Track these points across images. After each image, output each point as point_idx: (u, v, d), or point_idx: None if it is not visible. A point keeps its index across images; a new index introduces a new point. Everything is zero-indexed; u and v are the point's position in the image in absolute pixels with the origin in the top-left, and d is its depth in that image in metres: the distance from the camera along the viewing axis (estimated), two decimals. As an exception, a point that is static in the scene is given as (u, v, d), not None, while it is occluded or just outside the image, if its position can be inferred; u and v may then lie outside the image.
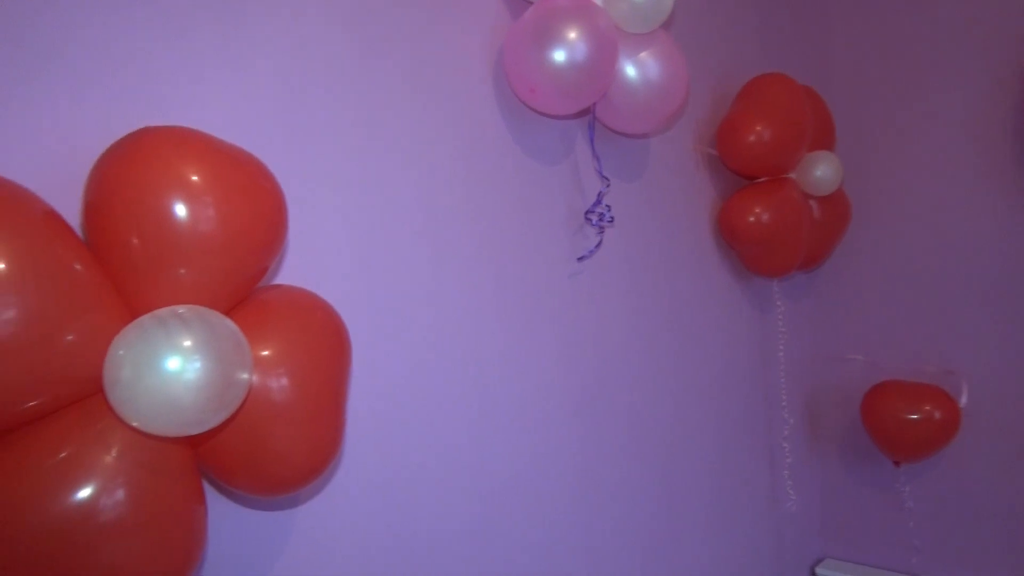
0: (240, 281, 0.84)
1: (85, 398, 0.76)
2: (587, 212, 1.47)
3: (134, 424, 0.73)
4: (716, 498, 1.90)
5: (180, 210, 0.76)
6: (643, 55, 1.41)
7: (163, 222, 0.75)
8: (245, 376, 0.78)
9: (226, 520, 0.95)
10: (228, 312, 0.81)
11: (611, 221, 1.48)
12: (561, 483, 1.44)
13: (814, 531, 2.34)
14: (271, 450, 0.86)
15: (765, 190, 1.85)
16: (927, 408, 1.95)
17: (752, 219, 1.81)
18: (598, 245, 1.48)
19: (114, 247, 0.76)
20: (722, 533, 1.91)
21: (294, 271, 1.01)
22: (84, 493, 0.73)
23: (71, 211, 0.79)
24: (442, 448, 1.22)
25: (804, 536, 2.28)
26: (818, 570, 2.27)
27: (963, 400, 1.97)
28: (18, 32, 0.79)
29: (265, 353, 0.84)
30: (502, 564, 1.31)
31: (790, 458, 2.10)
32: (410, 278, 1.18)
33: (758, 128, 1.78)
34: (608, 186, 1.48)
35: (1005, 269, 1.99)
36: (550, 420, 1.42)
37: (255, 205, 0.82)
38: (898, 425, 1.99)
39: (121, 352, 0.72)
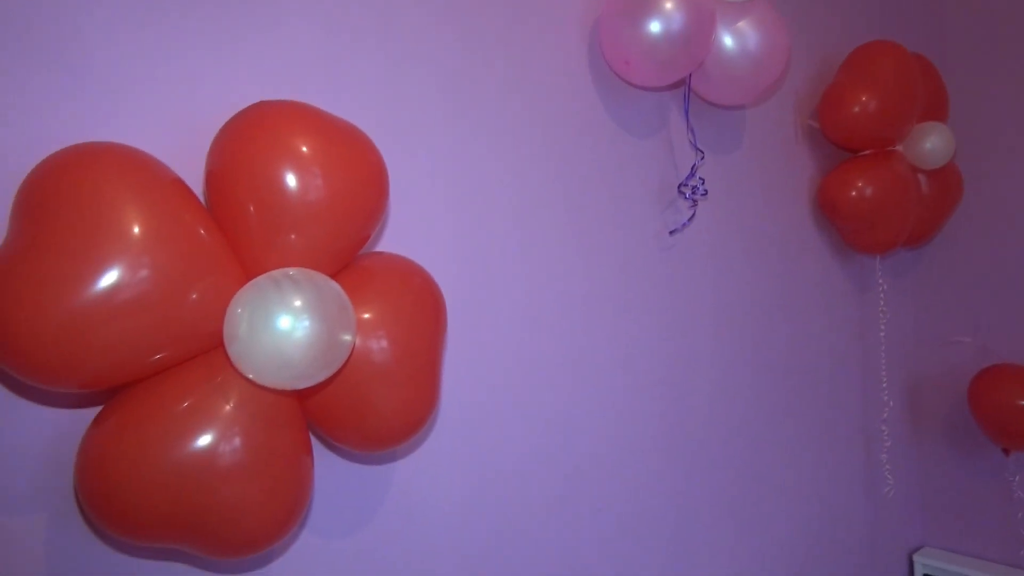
0: (344, 247, 0.89)
1: (207, 352, 0.82)
2: (680, 185, 1.46)
3: (249, 376, 0.79)
4: (809, 479, 1.86)
5: (291, 180, 0.81)
6: (741, 24, 1.38)
7: (276, 191, 0.81)
8: (348, 337, 0.83)
9: (332, 472, 1.02)
10: (333, 276, 0.86)
11: (705, 194, 1.47)
12: (647, 457, 1.45)
13: (913, 518, 2.25)
14: (371, 408, 0.91)
15: (869, 163, 1.78)
16: (1043, 394, 1.84)
17: (855, 193, 1.75)
18: (691, 219, 1.47)
19: (233, 213, 0.82)
20: (815, 515, 1.88)
21: (394, 240, 1.06)
22: (205, 440, 0.79)
23: (194, 179, 0.85)
24: (531, 417, 1.25)
25: (902, 522, 2.21)
26: (916, 557, 2.20)
27: (1083, 387, 1.85)
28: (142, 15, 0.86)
29: (367, 316, 0.89)
30: (587, 531, 1.34)
31: (889, 442, 2.03)
32: (504, 249, 1.21)
33: (863, 98, 1.71)
34: (702, 159, 1.47)
35: None
36: (639, 392, 1.43)
37: (359, 176, 0.87)
38: (1009, 411, 1.89)
39: (239, 310, 0.78)
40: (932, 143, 1.81)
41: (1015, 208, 2.03)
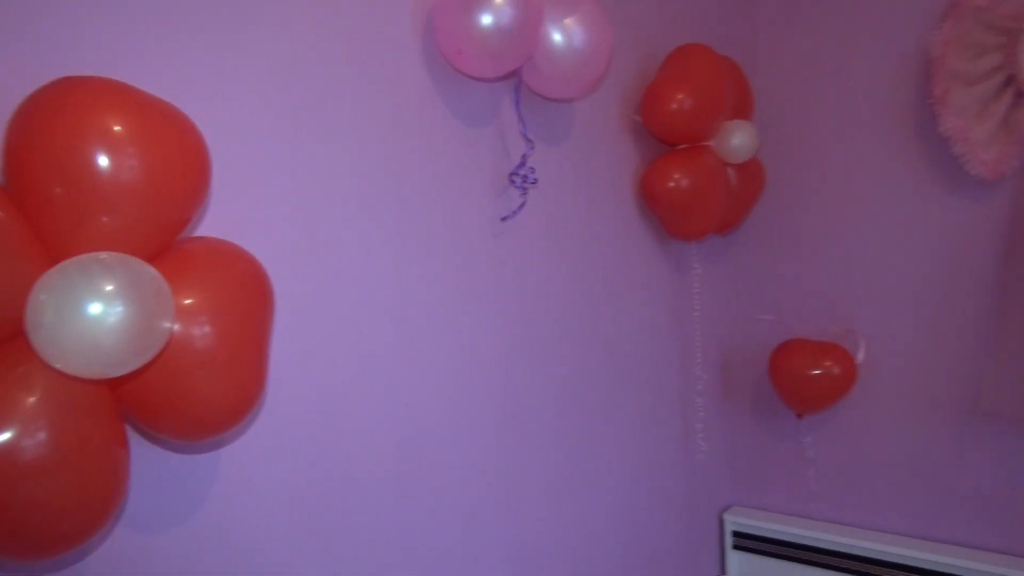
0: (162, 230, 0.86)
1: (7, 341, 0.77)
2: (511, 174, 1.51)
3: (57, 366, 0.75)
4: (633, 449, 2.00)
5: (102, 159, 0.77)
6: (568, 21, 1.45)
7: (85, 170, 0.77)
8: (166, 323, 0.81)
9: (152, 464, 0.98)
10: (150, 260, 0.83)
11: (534, 183, 1.53)
12: (482, 435, 1.51)
13: (723, 480, 2.49)
14: (193, 395, 0.89)
15: (685, 156, 1.93)
16: (827, 364, 2.09)
17: (672, 184, 1.89)
18: (521, 206, 1.54)
19: (35, 194, 0.77)
20: (637, 482, 2.02)
21: (220, 225, 1.03)
22: (6, 435, 0.75)
23: (-12, 158, 0.79)
24: (365, 404, 1.26)
25: (714, 485, 2.43)
26: (725, 516, 2.43)
27: (860, 356, 2.12)
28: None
29: (188, 301, 0.87)
30: (422, 508, 1.38)
31: (703, 412, 2.22)
32: (339, 236, 1.21)
33: (680, 96, 1.85)
34: (532, 148, 1.53)
35: (901, 237, 2.13)
36: (473, 373, 1.48)
37: (178, 156, 0.84)
38: (802, 380, 2.13)
39: (43, 296, 0.74)
40: (739, 139, 1.99)
41: (809, 199, 2.27)
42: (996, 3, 1.87)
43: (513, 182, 1.51)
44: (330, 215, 1.20)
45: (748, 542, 2.39)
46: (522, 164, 1.51)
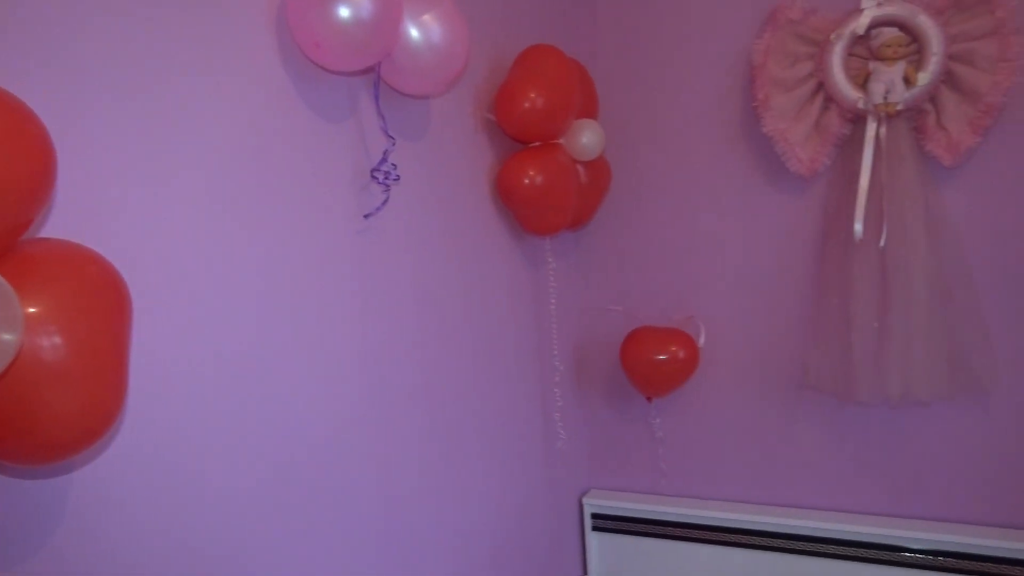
0: (1, 231, 0.77)
1: None
2: (373, 170, 1.49)
3: None
4: (498, 440, 2.04)
5: (-75, 152, 0.68)
6: (426, 17, 1.45)
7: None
8: (11, 336, 0.73)
9: (-11, 494, 0.88)
10: (-11, 266, 0.75)
11: (397, 179, 1.52)
12: (353, 437, 1.47)
13: (582, 465, 2.59)
14: (44, 414, 0.80)
15: (538, 154, 1.98)
16: (673, 349, 2.23)
17: (527, 181, 1.94)
18: (384, 202, 1.52)
19: None
20: (502, 471, 2.06)
21: (67, 225, 0.94)
22: None
23: None
24: (229, 410, 1.20)
25: (573, 470, 2.52)
26: (584, 500, 2.53)
27: (701, 341, 2.28)
28: None
29: (33, 310, 0.78)
30: (295, 521, 1.33)
31: (560, 401, 2.30)
32: (195, 235, 1.14)
33: (532, 95, 1.90)
34: (394, 144, 1.51)
35: (733, 229, 2.31)
36: (340, 373, 1.44)
37: (18, 152, 0.76)
38: (649, 365, 2.26)
39: None
40: (587, 138, 2.07)
41: (651, 195, 2.41)
42: (807, 16, 2.08)
43: (375, 178, 1.49)
44: (187, 215, 1.13)
45: (606, 522, 2.50)
46: (384, 160, 1.49)
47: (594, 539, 2.52)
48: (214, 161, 1.18)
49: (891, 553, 2.14)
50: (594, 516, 2.52)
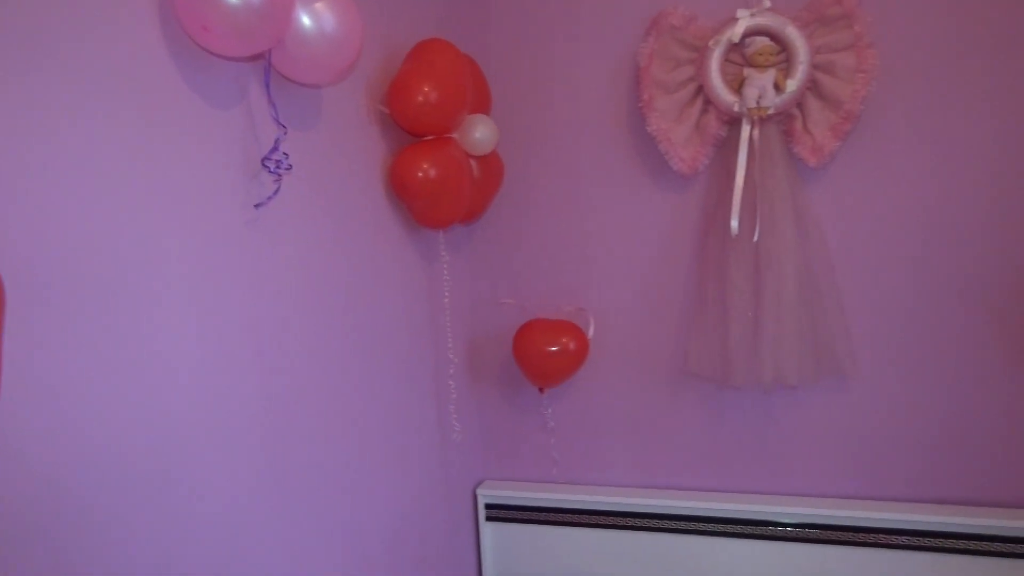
0: None
1: None
2: (264, 159, 1.46)
3: None
4: (391, 433, 2.03)
5: None
6: (319, 5, 1.44)
7: None
8: None
9: None
10: None
11: (289, 168, 1.50)
12: (241, 434, 1.44)
13: (476, 457, 2.62)
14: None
15: (432, 148, 1.99)
16: (563, 340, 2.30)
17: (421, 174, 1.95)
18: (276, 192, 1.49)
19: None
20: (396, 464, 2.06)
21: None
22: None
23: None
24: (110, 402, 1.15)
25: (467, 462, 2.55)
26: (479, 491, 2.56)
27: (591, 332, 2.36)
28: None
29: None
30: (186, 520, 1.29)
31: (455, 394, 2.32)
32: (74, 225, 1.08)
33: (426, 89, 1.90)
34: (285, 133, 1.49)
35: (620, 224, 2.40)
36: (228, 367, 1.41)
37: None
38: (541, 357, 2.31)
39: None
40: (480, 132, 2.10)
41: (542, 191, 2.47)
42: (688, 23, 2.19)
43: (267, 167, 1.46)
44: (67, 205, 1.07)
45: (499, 512, 2.54)
46: (275, 149, 1.46)
47: (488, 529, 2.56)
48: (97, 149, 1.12)
49: (767, 528, 2.29)
50: (488, 507, 2.55)
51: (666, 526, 2.39)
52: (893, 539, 2.18)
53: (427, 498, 2.25)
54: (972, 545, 2.11)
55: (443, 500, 2.36)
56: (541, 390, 2.43)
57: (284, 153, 1.47)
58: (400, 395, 2.08)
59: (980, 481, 2.17)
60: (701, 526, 2.35)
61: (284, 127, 1.49)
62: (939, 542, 2.14)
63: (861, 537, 2.21)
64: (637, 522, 2.41)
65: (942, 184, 2.10)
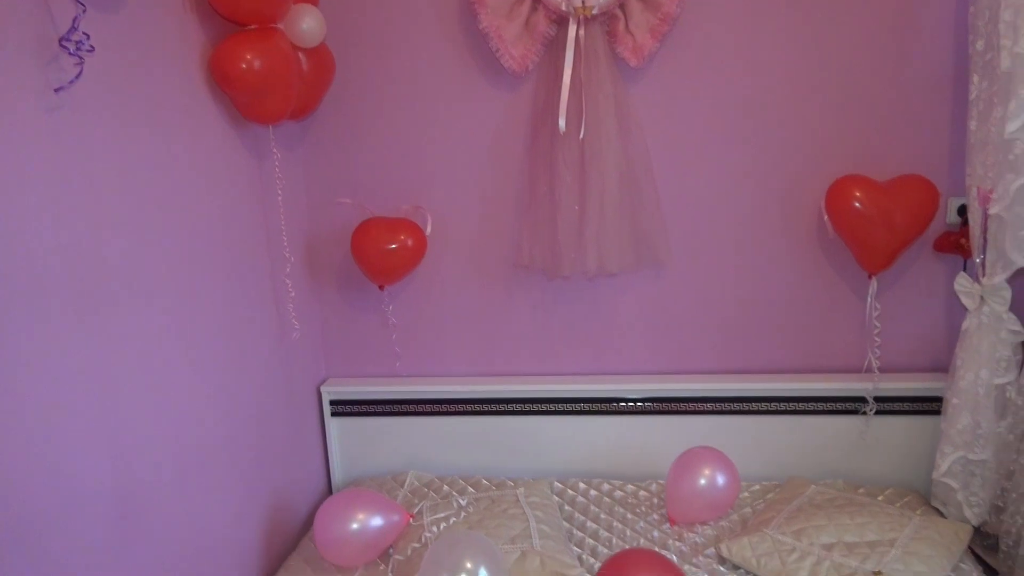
0: None
1: None
2: (62, 39, 1.36)
3: None
4: (228, 333, 2.02)
5: None
6: None
7: None
8: None
9: None
10: None
11: (91, 51, 1.40)
12: (60, 340, 1.39)
13: (319, 355, 2.65)
14: None
15: (256, 38, 1.92)
16: (401, 238, 2.34)
17: (244, 65, 1.87)
18: (78, 76, 1.40)
19: None
20: (235, 364, 2.06)
21: None
22: None
23: None
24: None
25: (310, 361, 2.58)
26: (323, 388, 2.61)
27: (428, 229, 2.42)
28: None
29: None
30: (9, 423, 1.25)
31: (293, 292, 2.32)
32: None
33: (245, -27, 1.82)
34: (84, 11, 1.39)
35: (456, 122, 2.44)
36: (34, 268, 1.34)
37: None
38: (379, 255, 2.35)
39: None
40: (307, 24, 2.04)
41: (377, 88, 2.44)
42: (515, -82, 2.19)
43: (65, 48, 1.36)
44: None
45: (344, 408, 2.61)
46: (74, 29, 1.36)
47: (334, 424, 2.63)
48: None
49: (595, 404, 2.51)
50: (332, 403, 2.61)
51: (503, 409, 2.55)
52: (703, 406, 2.46)
53: (269, 398, 2.27)
54: (769, 407, 2.42)
55: (287, 398, 2.39)
56: (381, 287, 2.48)
57: (85, 34, 1.38)
58: (233, 295, 2.06)
59: (773, 353, 2.48)
60: (536, 407, 2.54)
61: (83, 5, 1.38)
62: (741, 406, 2.44)
63: (675, 407, 2.48)
64: (477, 407, 2.56)
65: (752, 85, 2.29)
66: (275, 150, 2.19)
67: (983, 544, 2.15)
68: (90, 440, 1.48)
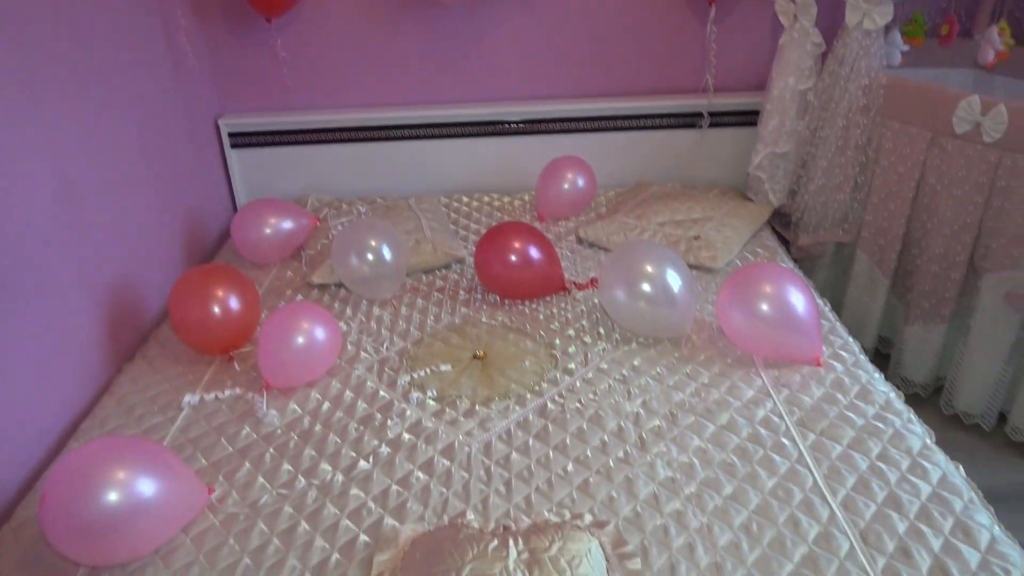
0: None
1: None
2: None
3: None
4: (125, 67, 2.14)
5: None
6: None
7: None
8: None
9: None
10: None
11: None
12: None
13: (213, 90, 2.78)
14: None
15: None
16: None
17: None
18: None
19: None
20: (135, 99, 2.19)
21: None
22: None
23: None
24: None
25: (206, 96, 2.71)
26: (220, 121, 2.77)
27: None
28: None
29: None
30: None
31: (184, 21, 2.41)
32: None
33: None
34: None
35: None
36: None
37: None
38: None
39: None
40: None
41: None
42: None
43: None
44: None
45: (243, 139, 2.80)
46: None
47: (234, 155, 2.83)
48: None
49: (477, 127, 2.81)
50: (231, 135, 2.80)
51: (393, 135, 2.82)
52: (569, 125, 2.82)
53: (171, 129, 2.41)
54: (623, 124, 2.81)
55: (188, 132, 2.54)
56: (269, 20, 2.58)
57: None
58: (121, 24, 2.14)
59: (629, 77, 2.83)
60: (423, 132, 2.82)
61: None
62: (601, 124, 2.82)
63: (546, 127, 2.82)
64: (368, 134, 2.82)
65: None
66: None
67: (781, 223, 2.73)
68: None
